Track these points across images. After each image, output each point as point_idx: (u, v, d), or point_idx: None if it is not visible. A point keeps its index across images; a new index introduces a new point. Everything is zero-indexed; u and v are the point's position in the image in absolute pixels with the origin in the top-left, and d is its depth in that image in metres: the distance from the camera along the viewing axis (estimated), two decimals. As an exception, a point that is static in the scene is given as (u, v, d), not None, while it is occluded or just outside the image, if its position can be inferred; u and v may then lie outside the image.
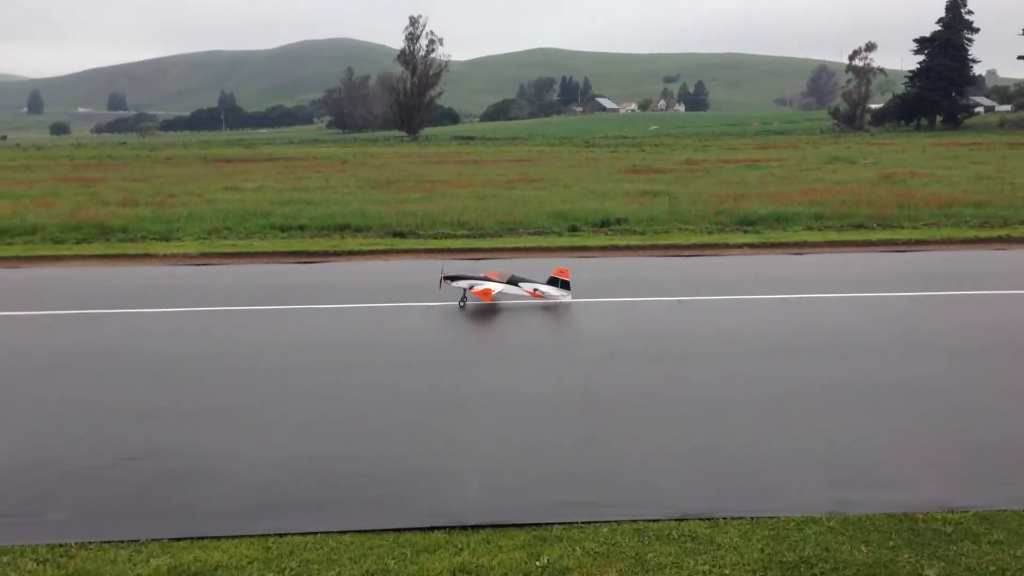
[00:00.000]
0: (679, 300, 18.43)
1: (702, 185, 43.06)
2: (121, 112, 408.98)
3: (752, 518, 8.53)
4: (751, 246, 26.45)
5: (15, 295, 20.22)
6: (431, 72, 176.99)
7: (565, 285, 18.29)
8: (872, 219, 30.17)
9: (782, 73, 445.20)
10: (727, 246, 26.43)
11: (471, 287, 17.79)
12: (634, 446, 10.38)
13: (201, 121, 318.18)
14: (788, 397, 12.13)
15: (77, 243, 28.17)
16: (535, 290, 18.18)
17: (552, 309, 17.91)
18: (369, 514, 8.67)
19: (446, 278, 18.12)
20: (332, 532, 8.28)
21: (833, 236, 27.76)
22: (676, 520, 8.51)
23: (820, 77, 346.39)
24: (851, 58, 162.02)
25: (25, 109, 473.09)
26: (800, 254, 25.27)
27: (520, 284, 18.22)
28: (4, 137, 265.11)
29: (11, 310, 18.31)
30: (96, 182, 51.30)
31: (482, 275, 18.36)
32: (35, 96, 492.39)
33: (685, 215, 31.45)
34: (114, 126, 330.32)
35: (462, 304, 17.96)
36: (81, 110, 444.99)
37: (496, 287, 17.84)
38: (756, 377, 13.03)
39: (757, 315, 17.23)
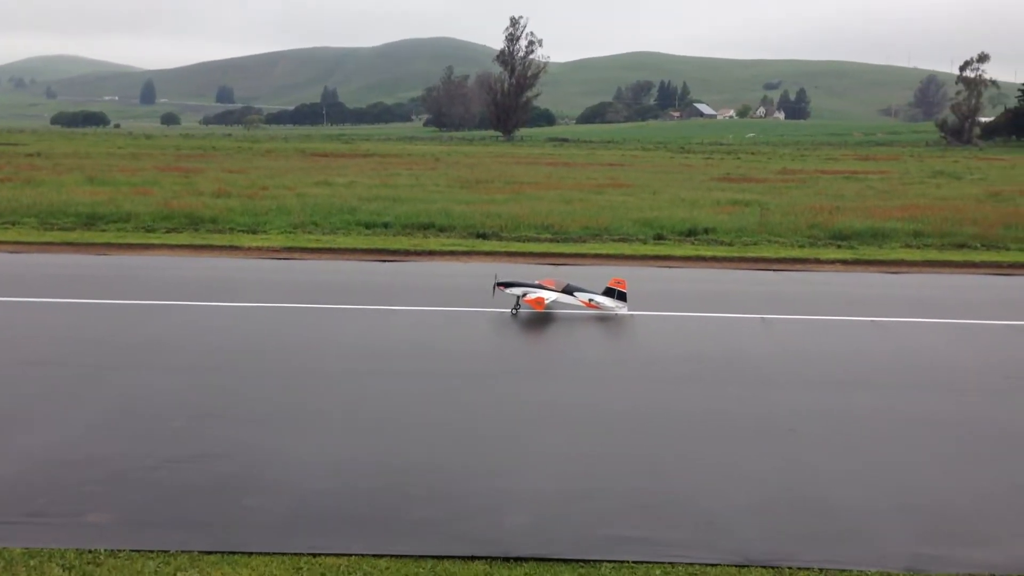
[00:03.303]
0: (762, 318, 17.53)
1: (797, 196, 41.75)
2: (228, 104, 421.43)
3: (820, 569, 7.80)
4: (844, 262, 25.25)
5: (94, 282, 20.45)
6: (529, 73, 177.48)
7: (622, 296, 17.58)
8: (976, 239, 28.59)
9: (888, 83, 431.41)
10: (818, 261, 25.29)
11: (524, 295, 17.28)
12: (697, 477, 9.70)
13: (304, 116, 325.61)
14: (873, 432, 11.23)
15: (167, 232, 28.63)
16: (590, 300, 17.57)
17: (612, 321, 17.24)
18: (409, 537, 8.22)
19: (500, 284, 17.62)
20: (367, 555, 7.87)
21: (933, 255, 26.36)
22: (736, 567, 7.83)
23: (928, 88, 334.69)
24: (962, 69, 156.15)
25: (138, 100, 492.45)
26: (896, 273, 23.97)
27: (575, 294, 17.64)
28: (118, 125, 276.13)
29: (83, 298, 18.37)
30: (195, 172, 52.56)
31: (537, 283, 17.86)
32: (148, 87, 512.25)
33: (776, 227, 30.35)
34: (221, 118, 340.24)
35: (514, 312, 17.44)
36: (190, 102, 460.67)
37: (550, 296, 17.30)
38: (839, 408, 12.14)
39: (844, 338, 16.22)
